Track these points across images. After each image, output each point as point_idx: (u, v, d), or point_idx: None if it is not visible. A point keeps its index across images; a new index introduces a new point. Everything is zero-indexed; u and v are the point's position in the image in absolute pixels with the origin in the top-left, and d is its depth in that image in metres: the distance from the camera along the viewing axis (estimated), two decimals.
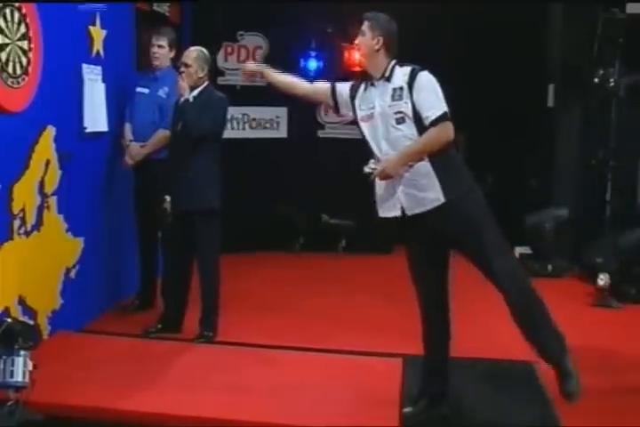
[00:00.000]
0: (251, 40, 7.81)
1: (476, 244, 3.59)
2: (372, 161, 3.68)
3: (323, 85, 4.00)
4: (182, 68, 4.88)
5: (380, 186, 3.72)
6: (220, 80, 7.39)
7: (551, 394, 4.06)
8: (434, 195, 3.58)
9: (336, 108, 3.97)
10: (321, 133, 8.04)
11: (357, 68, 7.65)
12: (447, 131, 3.58)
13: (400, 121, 3.61)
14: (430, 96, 3.58)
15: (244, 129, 7.66)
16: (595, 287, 6.15)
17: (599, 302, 6.04)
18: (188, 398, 3.87)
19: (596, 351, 4.92)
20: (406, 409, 3.80)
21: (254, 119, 7.85)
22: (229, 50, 7.75)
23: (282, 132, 7.98)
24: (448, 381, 3.85)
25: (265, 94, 7.79)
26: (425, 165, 3.59)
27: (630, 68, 7.19)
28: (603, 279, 6.05)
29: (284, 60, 7.75)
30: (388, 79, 3.67)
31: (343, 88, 3.91)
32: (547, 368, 4.42)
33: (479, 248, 3.60)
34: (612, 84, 7.23)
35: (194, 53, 4.90)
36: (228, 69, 7.70)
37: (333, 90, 3.92)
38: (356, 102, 3.79)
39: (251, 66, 4.12)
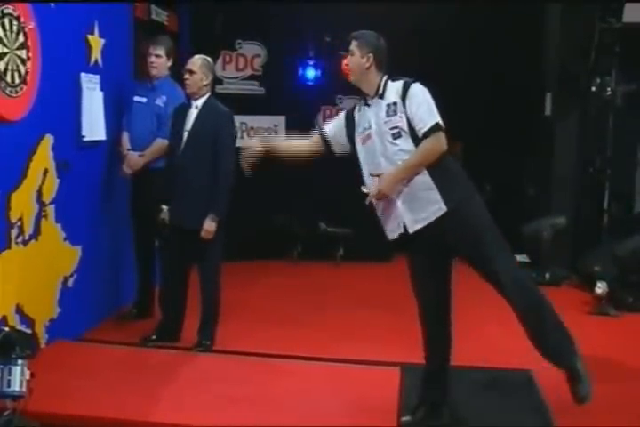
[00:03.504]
0: (249, 49, 7.84)
1: (477, 248, 3.58)
2: (364, 187, 3.69)
3: (313, 139, 3.96)
4: (186, 75, 4.89)
5: (379, 208, 3.72)
6: (219, 88, 7.40)
7: (549, 402, 4.06)
8: (436, 205, 3.57)
9: (329, 151, 3.93)
10: None
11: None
12: (440, 142, 3.58)
13: (396, 136, 3.60)
14: (422, 107, 3.58)
15: (242, 138, 7.65)
16: (592, 295, 6.15)
17: (597, 311, 6.04)
18: (187, 406, 3.86)
19: (595, 360, 4.90)
20: (404, 418, 3.79)
21: (252, 128, 7.87)
22: (228, 58, 7.77)
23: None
24: (448, 390, 3.85)
25: (263, 103, 7.91)
26: (424, 178, 3.58)
27: (627, 77, 7.23)
28: (600, 288, 6.05)
29: (282, 68, 7.80)
30: (382, 96, 3.68)
31: (332, 127, 3.91)
32: (545, 376, 4.45)
33: (480, 251, 3.58)
34: (609, 92, 7.27)
35: (199, 61, 4.91)
36: (226, 78, 7.73)
37: (324, 137, 3.92)
38: (355, 129, 3.77)
39: (253, 144, 3.96)
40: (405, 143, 3.59)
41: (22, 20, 4.25)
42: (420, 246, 3.68)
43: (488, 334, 5.20)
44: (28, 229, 4.44)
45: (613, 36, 7.10)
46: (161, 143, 5.23)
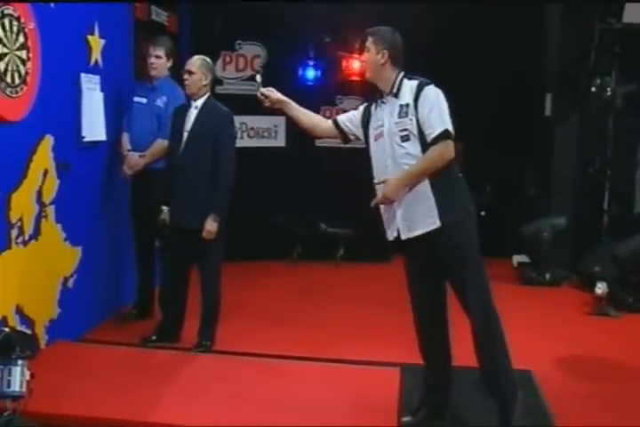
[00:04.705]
0: (249, 49, 7.84)
1: (458, 266, 3.61)
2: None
3: (326, 123, 3.98)
4: (186, 76, 4.88)
5: (384, 209, 3.73)
6: (219, 89, 7.40)
7: (549, 402, 4.06)
8: (430, 218, 3.57)
9: (345, 139, 3.94)
10: (319, 142, 8.00)
11: (356, 78, 7.78)
12: (447, 150, 3.56)
13: (405, 139, 3.59)
14: (433, 112, 3.55)
15: (242, 138, 7.66)
16: (592, 296, 6.15)
17: (597, 311, 6.05)
18: (187, 407, 3.86)
19: (595, 360, 4.93)
20: (405, 418, 3.80)
21: (252, 128, 7.88)
22: (228, 59, 7.78)
23: (280, 141, 8.00)
24: (450, 393, 3.84)
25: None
26: (425, 188, 3.58)
27: (627, 78, 7.23)
28: (600, 288, 6.05)
29: (282, 69, 7.79)
30: (396, 95, 3.65)
31: (348, 118, 3.91)
32: (545, 376, 4.45)
33: (459, 270, 3.61)
34: (609, 93, 7.27)
35: (198, 61, 4.91)
36: (226, 78, 7.73)
37: (336, 124, 3.93)
38: (370, 124, 3.77)
39: (273, 94, 3.94)
40: (413, 147, 3.58)
41: (22, 20, 4.25)
42: (415, 250, 3.69)
43: None
44: (28, 230, 4.44)
45: (613, 36, 7.11)
46: (161, 144, 5.23)
